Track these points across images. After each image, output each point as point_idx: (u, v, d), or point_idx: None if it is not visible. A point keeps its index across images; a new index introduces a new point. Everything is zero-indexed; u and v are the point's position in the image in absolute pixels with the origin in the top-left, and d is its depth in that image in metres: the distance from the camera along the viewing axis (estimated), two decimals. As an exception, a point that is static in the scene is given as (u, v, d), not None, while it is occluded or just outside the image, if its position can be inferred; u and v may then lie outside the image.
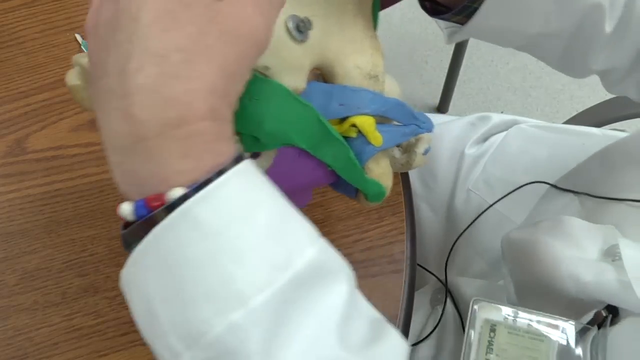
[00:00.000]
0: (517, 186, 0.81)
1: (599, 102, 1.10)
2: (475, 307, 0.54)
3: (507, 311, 0.54)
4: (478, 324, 0.54)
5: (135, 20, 0.37)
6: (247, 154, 0.41)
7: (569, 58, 0.67)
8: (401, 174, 0.72)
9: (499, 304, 0.55)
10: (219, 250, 0.35)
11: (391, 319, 0.63)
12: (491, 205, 0.80)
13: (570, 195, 0.69)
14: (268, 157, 0.47)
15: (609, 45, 0.64)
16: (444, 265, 0.84)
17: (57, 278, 0.65)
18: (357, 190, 0.52)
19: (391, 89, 0.53)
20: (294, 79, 0.45)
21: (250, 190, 0.37)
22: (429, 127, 0.53)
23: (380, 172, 0.51)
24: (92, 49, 0.39)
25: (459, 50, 1.59)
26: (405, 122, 0.51)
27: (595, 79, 0.75)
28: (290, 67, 0.45)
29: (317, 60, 0.47)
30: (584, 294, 0.57)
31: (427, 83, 1.81)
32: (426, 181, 0.90)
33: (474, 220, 0.81)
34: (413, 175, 0.90)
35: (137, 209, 0.36)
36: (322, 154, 0.47)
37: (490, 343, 0.53)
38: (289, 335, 0.35)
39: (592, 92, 1.80)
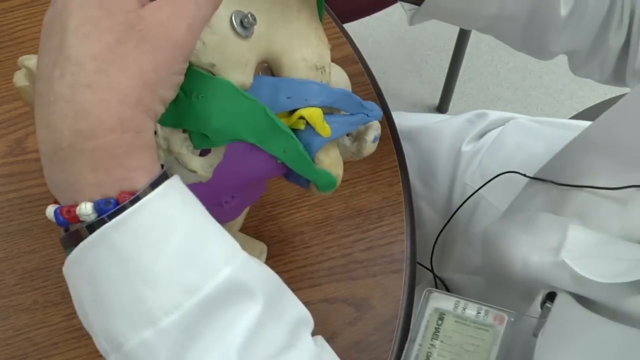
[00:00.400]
0: (513, 180, 0.81)
1: (599, 101, 1.10)
2: (427, 295, 0.56)
3: (456, 301, 0.56)
4: (427, 311, 0.56)
5: (63, 26, 0.38)
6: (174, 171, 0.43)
7: (528, 40, 0.68)
8: (401, 174, 0.72)
9: (449, 295, 0.56)
10: (132, 273, 0.37)
11: (391, 319, 0.63)
12: (476, 191, 0.80)
13: (539, 184, 0.70)
14: (218, 153, 0.47)
15: (567, 28, 0.64)
16: (444, 262, 0.85)
17: (57, 278, 0.65)
18: (309, 181, 0.53)
19: (339, 78, 0.54)
20: (240, 75, 0.45)
21: (165, 215, 0.38)
22: (377, 115, 0.54)
23: (330, 162, 0.52)
24: (39, 48, 0.40)
25: (459, 50, 1.60)
26: (353, 112, 0.52)
27: (594, 79, 0.75)
28: (236, 63, 0.45)
29: (263, 55, 0.47)
30: (527, 274, 0.59)
31: (427, 83, 1.81)
32: (426, 180, 0.90)
33: (458, 208, 0.81)
34: (413, 175, 0.90)
35: (55, 216, 0.38)
36: (271, 148, 0.48)
37: (437, 330, 0.55)
38: (196, 354, 0.38)
39: (592, 91, 1.80)
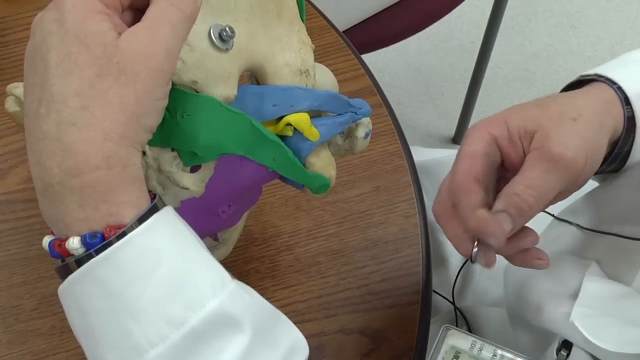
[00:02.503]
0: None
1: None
2: (444, 332, 0.56)
3: (473, 341, 0.56)
4: (444, 348, 0.56)
5: (44, 61, 0.38)
6: (162, 203, 0.42)
7: None
8: (418, 206, 0.72)
9: (467, 334, 0.56)
10: (118, 307, 0.38)
11: (406, 351, 0.63)
12: None
13: (566, 225, 0.69)
14: (208, 167, 0.48)
15: None
16: (464, 292, 0.84)
17: (75, 303, 0.65)
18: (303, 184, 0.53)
19: (325, 79, 0.54)
20: (224, 89, 0.45)
21: (151, 249, 0.39)
22: (365, 112, 0.54)
23: (322, 164, 0.52)
24: (24, 81, 0.41)
25: (475, 81, 1.60)
26: (341, 112, 0.52)
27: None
28: (218, 78, 0.45)
29: (246, 65, 0.48)
30: (541, 322, 0.58)
31: (443, 114, 1.82)
32: None
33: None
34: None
35: (49, 248, 0.40)
36: (260, 158, 0.48)
37: None
38: None
39: (609, 125, 1.79)
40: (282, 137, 0.49)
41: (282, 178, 0.53)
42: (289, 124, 0.49)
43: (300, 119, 0.49)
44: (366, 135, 0.55)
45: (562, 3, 2.03)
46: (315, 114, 0.51)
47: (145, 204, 0.40)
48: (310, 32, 0.52)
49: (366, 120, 0.55)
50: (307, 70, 0.50)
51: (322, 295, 0.66)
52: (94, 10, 0.38)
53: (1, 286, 0.66)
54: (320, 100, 0.50)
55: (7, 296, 0.65)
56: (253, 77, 0.50)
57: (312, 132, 0.49)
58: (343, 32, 0.86)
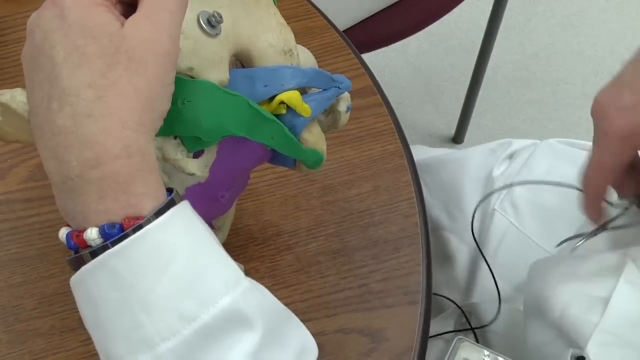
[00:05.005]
0: (543, 206, 0.80)
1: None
2: (457, 344, 0.56)
3: (485, 354, 0.56)
4: None
5: (49, 58, 0.38)
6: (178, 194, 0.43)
7: None
8: (418, 205, 0.72)
9: (480, 347, 0.56)
10: (131, 300, 0.38)
11: (406, 351, 0.63)
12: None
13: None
14: (211, 151, 0.49)
15: None
16: (470, 289, 0.83)
17: (75, 303, 0.65)
18: (295, 161, 0.55)
19: (305, 57, 0.55)
20: (218, 73, 0.47)
21: (166, 243, 0.39)
22: (347, 86, 0.55)
23: (314, 139, 0.53)
24: (25, 81, 0.41)
25: (475, 81, 1.60)
26: (326, 87, 0.54)
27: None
28: (211, 63, 0.46)
29: (234, 49, 0.49)
30: (563, 326, 0.57)
31: (443, 114, 1.82)
32: (452, 213, 0.89)
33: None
34: (437, 208, 0.89)
35: (66, 239, 0.40)
36: (260, 137, 0.49)
37: None
38: None
39: (609, 125, 1.79)
40: (277, 116, 0.51)
41: (272, 160, 0.55)
42: (282, 102, 0.50)
43: (292, 96, 0.50)
44: (348, 109, 0.56)
45: (562, 3, 2.03)
46: (301, 92, 0.52)
47: (163, 195, 0.40)
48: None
49: (346, 95, 0.56)
50: (290, 50, 0.52)
51: (322, 294, 0.66)
52: (94, 3, 0.39)
53: (1, 286, 0.66)
54: (308, 77, 0.51)
55: (7, 296, 0.65)
56: (238, 62, 0.51)
57: (304, 108, 0.51)
58: (343, 31, 0.86)
